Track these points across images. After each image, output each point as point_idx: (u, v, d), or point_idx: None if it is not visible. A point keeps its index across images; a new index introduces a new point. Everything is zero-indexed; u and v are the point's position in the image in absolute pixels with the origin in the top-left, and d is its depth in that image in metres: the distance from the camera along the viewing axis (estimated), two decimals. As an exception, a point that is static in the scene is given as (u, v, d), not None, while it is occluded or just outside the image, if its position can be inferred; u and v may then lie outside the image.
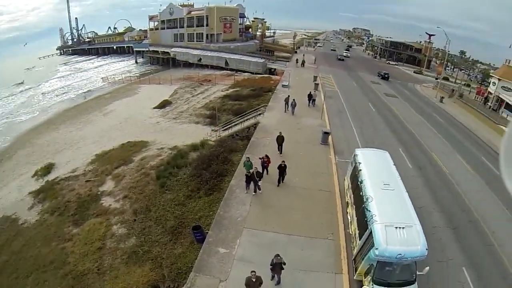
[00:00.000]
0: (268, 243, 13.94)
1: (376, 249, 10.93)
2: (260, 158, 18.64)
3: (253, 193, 17.18)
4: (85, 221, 20.03)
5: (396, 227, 11.41)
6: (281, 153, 21.69)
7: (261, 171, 18.11)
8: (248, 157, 18.48)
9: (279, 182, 18.25)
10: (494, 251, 15.91)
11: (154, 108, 42.71)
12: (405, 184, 14.60)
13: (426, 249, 11.09)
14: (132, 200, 20.87)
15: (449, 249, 15.53)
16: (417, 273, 11.41)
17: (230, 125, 27.87)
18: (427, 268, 11.39)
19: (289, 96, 30.88)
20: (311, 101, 34.91)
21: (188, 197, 19.41)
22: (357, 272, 12.48)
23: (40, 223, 21.03)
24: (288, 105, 30.57)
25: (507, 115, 44.46)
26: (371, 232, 11.66)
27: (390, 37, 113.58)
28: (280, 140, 21.65)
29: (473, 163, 25.90)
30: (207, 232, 14.93)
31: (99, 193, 23.03)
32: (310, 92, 35.50)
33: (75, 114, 46.63)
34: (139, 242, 17.01)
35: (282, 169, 17.72)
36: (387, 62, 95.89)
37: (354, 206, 14.99)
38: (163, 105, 43.17)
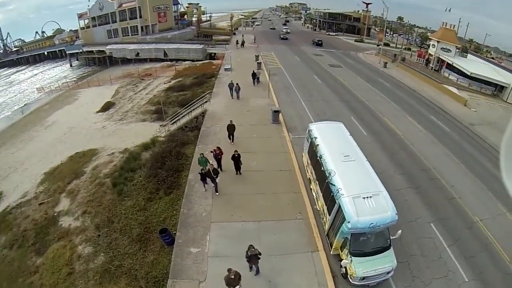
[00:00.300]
0: (238, 234, 13.34)
1: (348, 222, 10.71)
2: (212, 151, 17.26)
3: (216, 193, 15.86)
4: (48, 248, 17.99)
5: (364, 197, 11.23)
6: (232, 142, 20.41)
7: (216, 167, 16.65)
8: (202, 154, 16.89)
9: (236, 171, 17.37)
10: (456, 203, 16.70)
11: (98, 112, 39.17)
12: (363, 151, 14.47)
13: (396, 214, 11.07)
14: (92, 215, 19.06)
15: (415, 208, 15.98)
16: (391, 237, 11.46)
17: (178, 118, 26.27)
18: (400, 231, 11.50)
19: (232, 81, 28.92)
20: (255, 79, 34.37)
21: (149, 200, 18.02)
22: (333, 247, 12.24)
23: (1, 261, 18.64)
24: (232, 91, 28.80)
25: (449, 74, 46.47)
26: (339, 206, 11.36)
27: (328, 9, 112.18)
28: (231, 129, 20.17)
29: (424, 123, 26.97)
30: (175, 233, 14.01)
31: (55, 214, 20.76)
32: (254, 70, 34.80)
33: (15, 133, 41.40)
34: (108, 258, 15.56)
35: (236, 159, 16.73)
36: (327, 33, 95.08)
37: (317, 182, 14.55)
38: (107, 107, 39.70)
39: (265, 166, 18.31)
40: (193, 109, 26.12)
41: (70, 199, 21.68)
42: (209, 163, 15.83)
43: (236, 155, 16.63)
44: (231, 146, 19.36)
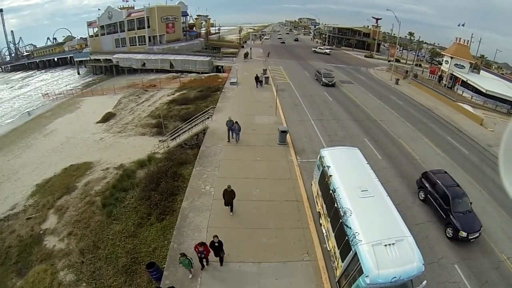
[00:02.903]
0: (235, 277, 11.57)
1: (367, 276, 8.93)
2: (195, 249, 11.49)
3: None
4: (29, 269, 16.44)
5: (386, 245, 9.41)
6: (231, 212, 14.76)
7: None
8: (183, 253, 11.27)
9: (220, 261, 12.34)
10: (480, 238, 14.84)
11: (98, 122, 37.83)
12: (379, 179, 12.65)
13: (423, 264, 9.29)
14: (78, 237, 17.42)
15: (437, 246, 14.24)
16: None
17: (178, 134, 24.73)
18: (424, 282, 9.63)
19: (231, 118, 22.09)
20: (258, 82, 36.68)
21: (139, 225, 16.33)
22: None
23: (-19, 278, 17.05)
24: (231, 132, 22.27)
25: (463, 91, 44.84)
26: (355, 254, 9.54)
27: (337, 24, 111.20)
28: (229, 196, 14.30)
29: (442, 145, 25.38)
30: (163, 268, 12.38)
31: (41, 232, 19.24)
32: (257, 74, 37.28)
33: (14, 139, 40.31)
34: (90, 289, 14.10)
35: (215, 248, 11.75)
36: (313, 50, 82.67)
37: (329, 220, 12.60)
38: (107, 118, 38.34)
39: (269, 195, 16.37)
40: (194, 125, 24.60)
41: (58, 216, 20.20)
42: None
43: (217, 243, 11.63)
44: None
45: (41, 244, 18.20)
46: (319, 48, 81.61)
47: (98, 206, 19.08)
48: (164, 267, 12.39)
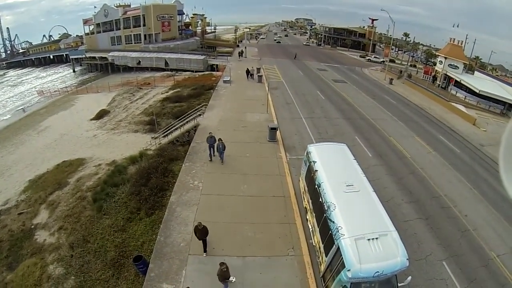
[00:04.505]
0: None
1: (348, 270, 8.82)
2: None
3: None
4: (19, 263, 16.57)
5: (369, 239, 9.32)
6: (205, 252, 12.36)
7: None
8: None
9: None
10: (470, 236, 15.11)
11: (91, 119, 37.89)
12: (368, 176, 12.68)
13: (407, 259, 9.20)
14: (68, 232, 17.60)
15: (425, 243, 14.27)
16: (399, 285, 9.58)
17: (170, 131, 24.90)
18: (409, 278, 9.64)
19: (211, 134, 19.03)
20: (249, 75, 39.85)
21: (128, 220, 16.51)
22: None
23: (-28, 272, 17.16)
24: (213, 150, 19.05)
25: (456, 92, 45.29)
26: (338, 249, 9.48)
27: (333, 24, 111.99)
28: (202, 233, 12.03)
29: (433, 144, 25.63)
30: (150, 261, 12.58)
31: (32, 226, 19.39)
32: (247, 68, 40.61)
33: (8, 136, 40.25)
34: (78, 282, 14.09)
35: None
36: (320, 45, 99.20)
37: (314, 214, 12.56)
38: (100, 115, 38.39)
39: (257, 190, 16.48)
40: (186, 122, 24.74)
41: (49, 211, 20.36)
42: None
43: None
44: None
45: (32, 238, 18.35)
46: (306, 43, 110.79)
47: (89, 201, 19.24)
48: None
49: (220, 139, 18.43)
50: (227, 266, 10.29)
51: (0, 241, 18.98)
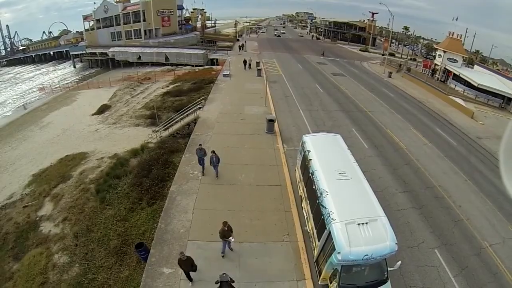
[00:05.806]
0: (217, 255, 12.11)
1: (338, 253, 9.16)
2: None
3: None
4: (25, 254, 17.11)
5: (359, 224, 9.65)
6: (191, 283, 11.15)
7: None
8: None
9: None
10: (463, 226, 15.38)
11: (93, 114, 38.33)
12: (363, 166, 13.02)
13: (396, 243, 9.52)
14: (72, 222, 18.11)
15: (418, 231, 14.53)
16: (389, 269, 9.93)
17: (170, 124, 25.37)
18: (399, 262, 9.94)
19: (201, 146, 17.45)
20: (246, 65, 42.09)
21: (130, 210, 17.03)
22: (321, 277, 10.64)
23: (-21, 262, 17.70)
24: (203, 162, 17.28)
25: (455, 85, 45.29)
26: (330, 233, 9.84)
27: (333, 18, 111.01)
28: (185, 265, 10.60)
29: (430, 136, 25.88)
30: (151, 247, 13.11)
31: (37, 218, 19.89)
32: (245, 59, 42.97)
33: (10, 132, 40.76)
34: (82, 270, 14.60)
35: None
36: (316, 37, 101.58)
37: (308, 201, 13.00)
38: (102, 110, 38.84)
39: (254, 180, 16.98)
40: (186, 115, 25.20)
41: (54, 203, 20.82)
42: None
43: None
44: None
45: (37, 229, 18.82)
46: (300, 34, 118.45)
47: (92, 193, 19.75)
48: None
49: (213, 151, 16.38)
50: (229, 227, 11.40)
51: (6, 233, 19.49)
